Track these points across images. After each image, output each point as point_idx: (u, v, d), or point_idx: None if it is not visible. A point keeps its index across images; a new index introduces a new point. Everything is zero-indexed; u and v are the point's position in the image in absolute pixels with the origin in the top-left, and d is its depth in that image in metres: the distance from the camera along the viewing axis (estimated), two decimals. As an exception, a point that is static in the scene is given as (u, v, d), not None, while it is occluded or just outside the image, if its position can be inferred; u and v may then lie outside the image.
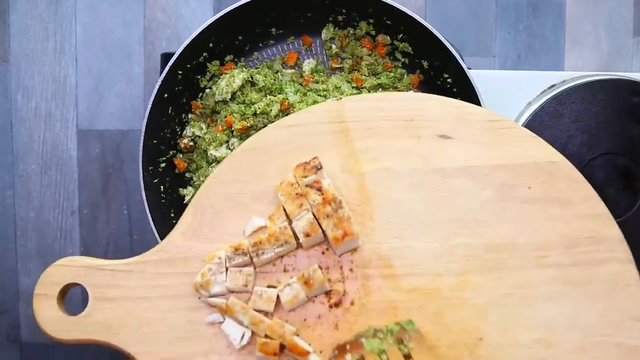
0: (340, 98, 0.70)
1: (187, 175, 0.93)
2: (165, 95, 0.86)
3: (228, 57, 0.92)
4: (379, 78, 0.91)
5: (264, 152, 0.69)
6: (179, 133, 0.92)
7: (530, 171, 0.68)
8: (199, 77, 0.91)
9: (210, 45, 0.88)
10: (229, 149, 0.90)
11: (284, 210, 0.67)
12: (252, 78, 0.90)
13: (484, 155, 0.68)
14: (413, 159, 0.68)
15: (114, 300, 0.67)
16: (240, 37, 0.91)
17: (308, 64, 0.93)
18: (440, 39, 0.84)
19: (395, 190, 0.68)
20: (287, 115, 0.89)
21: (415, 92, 0.92)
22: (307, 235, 0.65)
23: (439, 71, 0.90)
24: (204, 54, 0.89)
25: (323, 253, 0.68)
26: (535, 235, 0.67)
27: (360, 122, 0.69)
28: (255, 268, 0.67)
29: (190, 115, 0.92)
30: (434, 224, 0.67)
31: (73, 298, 1.02)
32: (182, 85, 0.88)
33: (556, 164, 0.68)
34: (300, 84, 0.92)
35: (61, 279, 0.67)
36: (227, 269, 0.67)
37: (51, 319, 0.66)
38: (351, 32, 0.92)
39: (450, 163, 0.68)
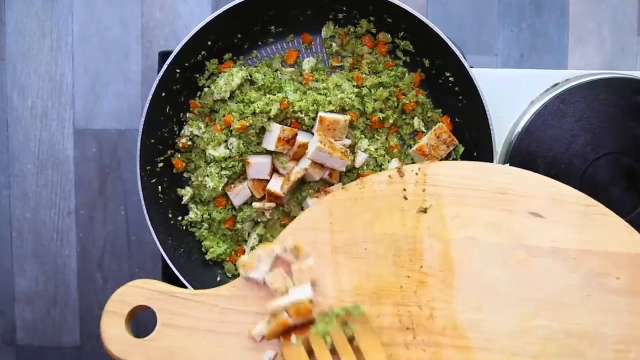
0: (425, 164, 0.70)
1: (185, 175, 0.93)
2: (163, 94, 0.85)
3: (227, 56, 0.91)
4: (380, 77, 0.91)
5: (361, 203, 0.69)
6: (177, 132, 0.91)
7: (620, 261, 0.66)
8: (197, 75, 0.90)
9: (209, 43, 0.87)
10: (228, 148, 0.89)
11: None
12: (251, 77, 0.90)
13: (575, 239, 0.67)
14: (501, 233, 0.67)
15: (181, 329, 0.67)
16: (239, 35, 0.90)
17: (308, 63, 0.92)
18: (442, 37, 0.83)
19: (479, 261, 0.67)
20: (286, 114, 0.88)
21: (418, 90, 0.92)
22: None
23: (440, 70, 0.89)
24: (203, 52, 0.88)
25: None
26: (620, 328, 0.65)
27: (453, 189, 0.68)
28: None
29: (188, 115, 0.91)
30: (515, 301, 0.66)
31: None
32: (180, 83, 0.88)
33: None
34: (300, 83, 0.91)
35: (133, 300, 0.67)
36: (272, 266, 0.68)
37: (116, 338, 0.67)
38: (351, 30, 0.91)
39: (539, 242, 0.67)
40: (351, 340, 0.66)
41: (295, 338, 0.67)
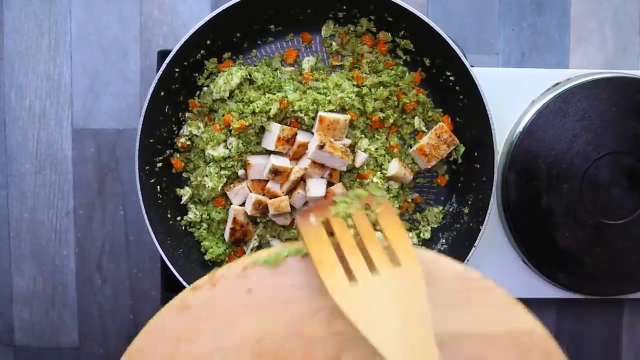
0: None
1: (184, 175, 0.92)
2: (162, 93, 0.85)
3: (226, 55, 0.91)
4: (380, 76, 0.90)
5: None
6: (176, 132, 0.91)
7: (502, 342, 0.60)
8: (197, 75, 0.90)
9: (208, 42, 0.87)
10: (227, 148, 0.88)
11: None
12: (250, 76, 0.89)
13: (451, 322, 0.60)
14: None
15: None
16: (238, 35, 0.90)
17: (307, 62, 0.92)
18: (443, 36, 0.83)
19: None
20: (285, 113, 0.87)
21: (418, 90, 0.91)
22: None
23: (441, 69, 0.89)
24: (202, 52, 0.88)
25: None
26: None
27: None
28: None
29: (187, 114, 0.91)
30: None
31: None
32: (179, 83, 0.87)
33: (531, 334, 0.61)
34: (299, 82, 0.91)
35: None
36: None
37: None
38: (351, 29, 0.91)
39: None
40: (374, 225, 0.61)
41: (314, 218, 0.61)
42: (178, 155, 0.91)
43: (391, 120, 0.90)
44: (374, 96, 0.89)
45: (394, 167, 0.89)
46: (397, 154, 0.91)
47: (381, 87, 0.90)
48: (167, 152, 0.90)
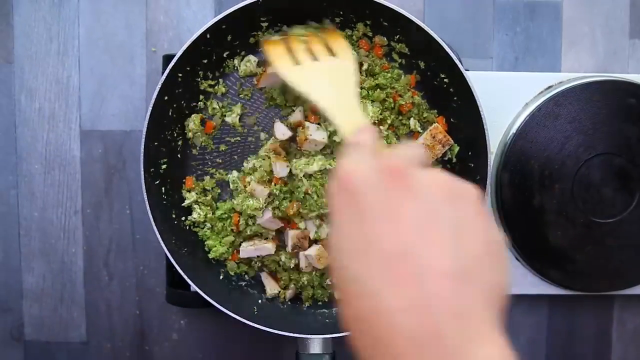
0: None
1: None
2: (166, 97, 0.87)
3: (229, 62, 0.94)
4: (377, 79, 0.92)
5: None
6: (180, 135, 0.93)
7: None
8: (199, 79, 0.92)
9: (208, 48, 0.89)
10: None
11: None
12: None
13: None
14: None
15: None
16: (236, 42, 0.92)
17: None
18: (438, 40, 0.85)
19: None
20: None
21: (413, 92, 0.93)
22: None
23: (435, 72, 0.91)
24: (205, 60, 0.90)
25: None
26: None
27: None
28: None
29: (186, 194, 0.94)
30: None
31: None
32: (182, 87, 0.89)
33: None
34: None
35: None
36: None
37: None
38: (348, 33, 0.93)
39: None
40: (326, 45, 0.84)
41: (276, 35, 0.87)
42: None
43: (389, 122, 0.92)
44: (371, 98, 0.91)
45: None
46: None
47: (378, 90, 0.92)
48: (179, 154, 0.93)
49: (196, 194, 0.93)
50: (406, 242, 0.42)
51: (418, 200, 0.44)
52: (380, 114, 0.91)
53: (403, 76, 0.93)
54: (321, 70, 0.81)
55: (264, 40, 0.87)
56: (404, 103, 0.92)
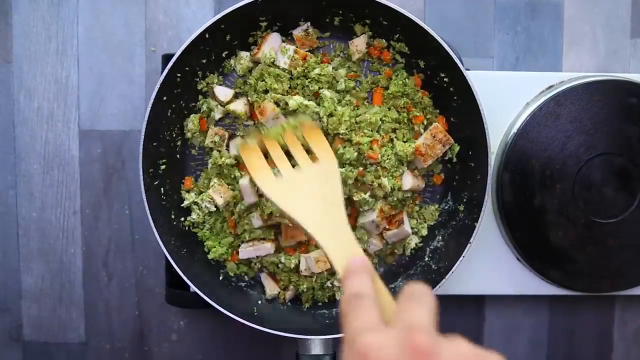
0: None
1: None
2: (165, 97, 0.87)
3: (227, 62, 0.93)
4: (388, 89, 0.92)
5: None
6: (179, 136, 0.93)
7: None
8: (197, 79, 0.92)
9: (208, 48, 0.89)
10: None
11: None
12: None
13: None
14: None
15: None
16: (235, 42, 0.92)
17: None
18: (438, 39, 0.84)
19: None
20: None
21: (423, 92, 0.93)
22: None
23: (435, 70, 0.90)
24: (204, 60, 0.90)
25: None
26: None
27: None
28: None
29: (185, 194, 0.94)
30: None
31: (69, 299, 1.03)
32: (181, 87, 0.89)
33: None
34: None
35: None
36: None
37: None
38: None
39: None
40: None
41: (250, 139, 0.81)
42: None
43: (400, 133, 0.92)
44: (386, 119, 0.91)
45: (408, 181, 0.91)
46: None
47: (393, 99, 0.92)
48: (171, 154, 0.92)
49: (195, 194, 0.93)
50: None
51: None
52: (393, 129, 0.92)
53: (407, 79, 0.93)
54: (303, 181, 0.76)
55: (241, 144, 0.83)
56: (418, 114, 0.92)
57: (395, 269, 0.96)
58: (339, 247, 0.64)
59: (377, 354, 0.44)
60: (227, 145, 0.93)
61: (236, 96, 0.93)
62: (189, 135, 0.93)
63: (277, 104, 0.89)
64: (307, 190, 0.74)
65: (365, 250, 0.93)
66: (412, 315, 0.47)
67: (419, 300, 0.48)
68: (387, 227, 0.91)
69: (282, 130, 0.81)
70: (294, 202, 0.72)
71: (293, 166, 0.78)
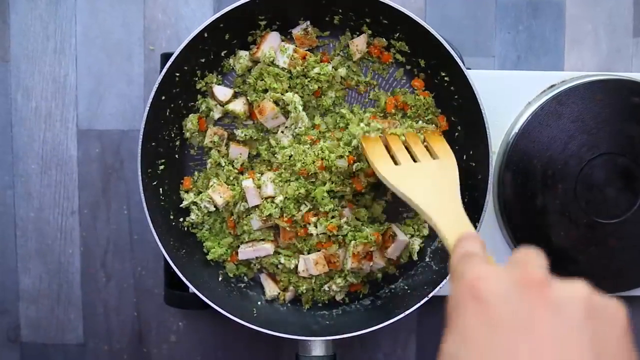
0: None
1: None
2: (163, 97, 0.86)
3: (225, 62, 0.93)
4: (406, 114, 0.92)
5: None
6: (177, 135, 0.92)
7: None
8: (196, 79, 0.91)
9: (206, 47, 0.88)
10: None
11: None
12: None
13: None
14: None
15: None
16: (234, 41, 0.91)
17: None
18: (438, 38, 0.84)
19: None
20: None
21: (425, 93, 0.93)
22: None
23: (436, 70, 0.90)
24: (202, 59, 0.89)
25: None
26: None
27: None
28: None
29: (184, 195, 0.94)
30: None
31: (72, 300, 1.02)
32: (180, 86, 0.89)
33: None
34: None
35: None
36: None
37: None
38: (348, 34, 0.93)
39: None
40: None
41: (373, 133, 0.84)
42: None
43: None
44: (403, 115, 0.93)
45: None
46: None
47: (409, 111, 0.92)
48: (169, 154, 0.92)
49: (194, 194, 0.92)
50: (543, 359, 0.39)
51: (558, 316, 0.41)
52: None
53: (404, 75, 0.93)
54: (422, 172, 0.79)
55: (362, 136, 0.85)
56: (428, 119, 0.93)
57: (395, 270, 0.96)
58: (452, 225, 0.67)
59: (486, 286, 0.43)
60: (227, 145, 0.92)
61: (235, 96, 0.92)
62: (187, 135, 0.92)
63: (276, 103, 0.89)
64: (425, 179, 0.78)
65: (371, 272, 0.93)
66: (527, 259, 0.45)
67: (533, 253, 0.47)
68: (385, 245, 0.91)
69: (405, 130, 0.85)
70: (412, 187, 0.76)
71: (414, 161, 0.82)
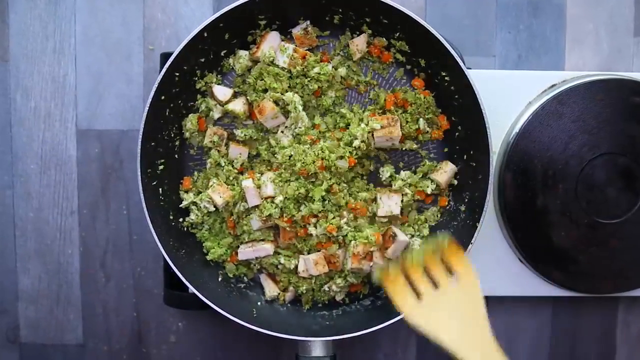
0: None
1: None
2: (163, 97, 0.86)
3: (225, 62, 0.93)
4: (406, 111, 0.92)
5: None
6: (177, 135, 0.92)
7: None
8: (196, 78, 0.91)
9: (206, 47, 0.88)
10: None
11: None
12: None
13: None
14: None
15: None
16: (234, 41, 0.91)
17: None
18: (439, 37, 0.84)
19: None
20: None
21: (425, 92, 0.92)
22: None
23: (436, 69, 0.90)
24: (201, 59, 0.89)
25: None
26: None
27: None
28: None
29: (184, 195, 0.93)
30: None
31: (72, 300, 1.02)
32: (179, 86, 0.88)
33: None
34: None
35: None
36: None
37: None
38: (348, 34, 0.92)
39: None
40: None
41: (392, 267, 0.81)
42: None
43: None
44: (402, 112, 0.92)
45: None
46: None
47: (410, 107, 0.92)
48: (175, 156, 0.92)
49: (194, 194, 0.92)
50: None
51: None
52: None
53: (403, 73, 0.92)
54: (445, 302, 0.78)
55: (382, 273, 0.82)
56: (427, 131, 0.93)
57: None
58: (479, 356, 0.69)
59: None
60: (227, 145, 0.92)
61: (235, 95, 0.92)
62: (187, 135, 0.92)
63: (276, 103, 0.89)
64: (449, 310, 0.76)
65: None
66: None
67: None
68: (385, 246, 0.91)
69: (424, 254, 0.81)
70: (437, 324, 0.76)
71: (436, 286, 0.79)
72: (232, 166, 0.92)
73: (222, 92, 0.90)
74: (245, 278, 0.95)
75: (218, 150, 0.92)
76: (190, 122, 0.91)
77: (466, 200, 0.91)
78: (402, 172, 0.93)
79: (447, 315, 0.76)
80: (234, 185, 0.91)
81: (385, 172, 0.92)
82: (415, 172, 0.93)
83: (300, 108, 0.88)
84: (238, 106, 0.90)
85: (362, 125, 0.88)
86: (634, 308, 1.04)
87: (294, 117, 0.89)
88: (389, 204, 0.90)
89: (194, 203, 0.92)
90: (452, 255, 0.80)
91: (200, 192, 0.92)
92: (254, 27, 0.90)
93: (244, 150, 0.91)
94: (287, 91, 0.89)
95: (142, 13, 1.01)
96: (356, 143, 0.87)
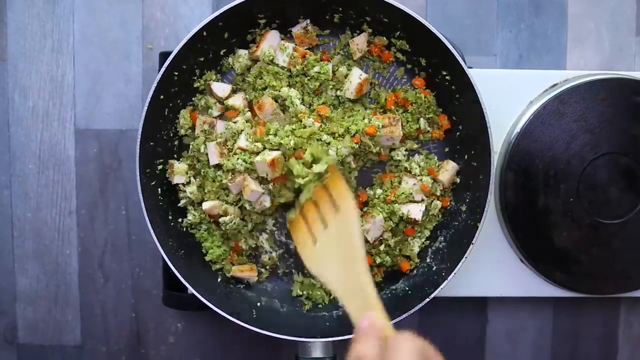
0: None
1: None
2: (162, 96, 0.86)
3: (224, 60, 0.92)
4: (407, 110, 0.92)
5: None
6: (176, 135, 0.92)
7: None
8: (195, 78, 0.90)
9: (205, 46, 0.87)
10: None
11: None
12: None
13: None
14: None
15: None
16: (233, 40, 0.91)
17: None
18: (439, 37, 0.84)
19: None
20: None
21: (425, 91, 0.92)
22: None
23: (437, 68, 0.89)
24: (201, 58, 0.89)
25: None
26: None
27: None
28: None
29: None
30: None
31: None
32: (178, 85, 0.88)
33: None
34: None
35: None
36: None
37: None
38: (349, 33, 0.92)
39: None
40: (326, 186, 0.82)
41: (292, 213, 0.85)
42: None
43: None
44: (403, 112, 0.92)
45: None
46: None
47: (410, 107, 0.91)
48: (174, 156, 0.91)
49: (190, 192, 0.91)
50: None
51: None
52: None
53: (405, 73, 0.92)
54: (329, 240, 0.78)
55: (290, 221, 0.86)
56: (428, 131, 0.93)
57: (396, 270, 0.95)
58: (357, 303, 0.68)
59: None
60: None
61: (234, 91, 0.91)
62: (182, 132, 0.91)
63: (275, 100, 0.88)
64: (332, 249, 0.77)
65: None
66: (400, 343, 0.56)
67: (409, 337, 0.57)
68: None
69: (311, 193, 0.82)
70: (325, 267, 0.76)
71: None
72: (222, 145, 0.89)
73: (220, 88, 0.90)
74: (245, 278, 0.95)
75: (209, 139, 0.90)
76: (183, 118, 0.90)
77: (467, 200, 0.91)
78: (416, 155, 0.94)
79: (330, 256, 0.76)
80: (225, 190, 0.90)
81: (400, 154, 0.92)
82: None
83: (298, 102, 0.88)
84: (238, 101, 0.89)
85: (365, 120, 0.87)
86: (636, 309, 1.04)
87: (292, 112, 0.88)
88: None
89: (192, 203, 0.91)
90: (333, 185, 0.80)
91: (193, 178, 0.91)
92: (253, 26, 0.90)
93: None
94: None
95: (141, 12, 1.01)
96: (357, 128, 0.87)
